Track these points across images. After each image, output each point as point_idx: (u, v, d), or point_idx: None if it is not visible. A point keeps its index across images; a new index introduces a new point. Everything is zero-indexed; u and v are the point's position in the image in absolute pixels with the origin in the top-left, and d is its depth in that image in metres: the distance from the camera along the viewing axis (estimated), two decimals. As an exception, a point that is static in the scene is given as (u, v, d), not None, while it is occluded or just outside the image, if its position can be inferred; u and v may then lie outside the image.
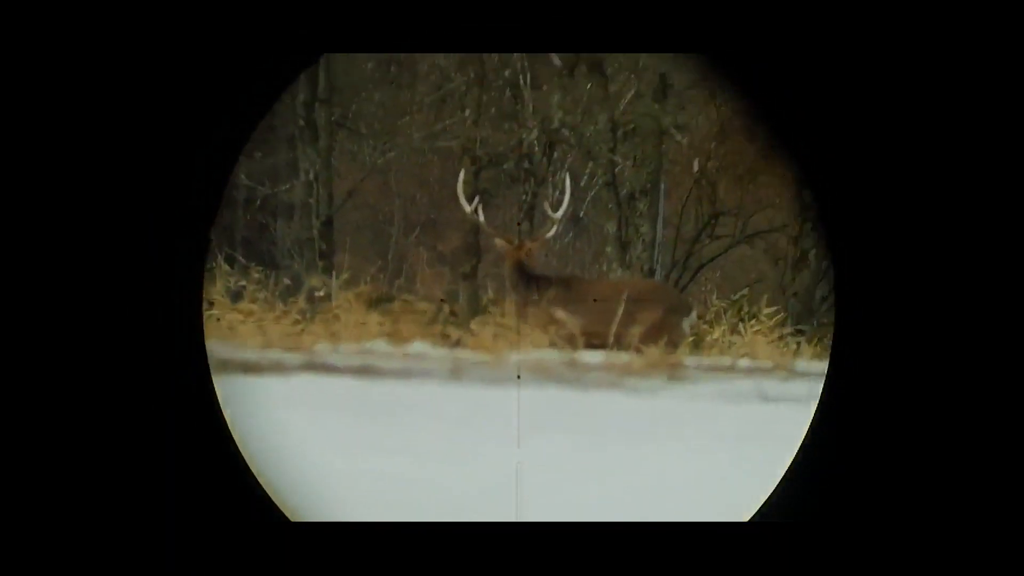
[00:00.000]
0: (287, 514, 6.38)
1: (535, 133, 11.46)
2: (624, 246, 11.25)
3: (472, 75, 11.30)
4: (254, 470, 6.34)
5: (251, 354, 8.16)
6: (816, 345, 10.93)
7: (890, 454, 6.23)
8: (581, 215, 11.47)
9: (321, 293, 9.60)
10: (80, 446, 6.20)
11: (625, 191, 11.31)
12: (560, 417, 7.23)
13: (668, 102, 11.51)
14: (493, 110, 11.48)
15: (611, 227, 11.26)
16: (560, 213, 9.44)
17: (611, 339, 9.13)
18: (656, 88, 11.40)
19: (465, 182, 9.63)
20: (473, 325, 9.33)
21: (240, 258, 10.07)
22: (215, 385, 6.35)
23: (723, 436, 7.25)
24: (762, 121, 6.47)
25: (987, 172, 6.17)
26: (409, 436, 7.06)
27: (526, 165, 11.44)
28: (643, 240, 11.29)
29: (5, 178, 6.15)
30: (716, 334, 10.14)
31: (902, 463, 6.22)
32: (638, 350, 8.94)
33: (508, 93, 11.64)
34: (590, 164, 11.55)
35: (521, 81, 11.69)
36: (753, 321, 10.47)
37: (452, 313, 10.27)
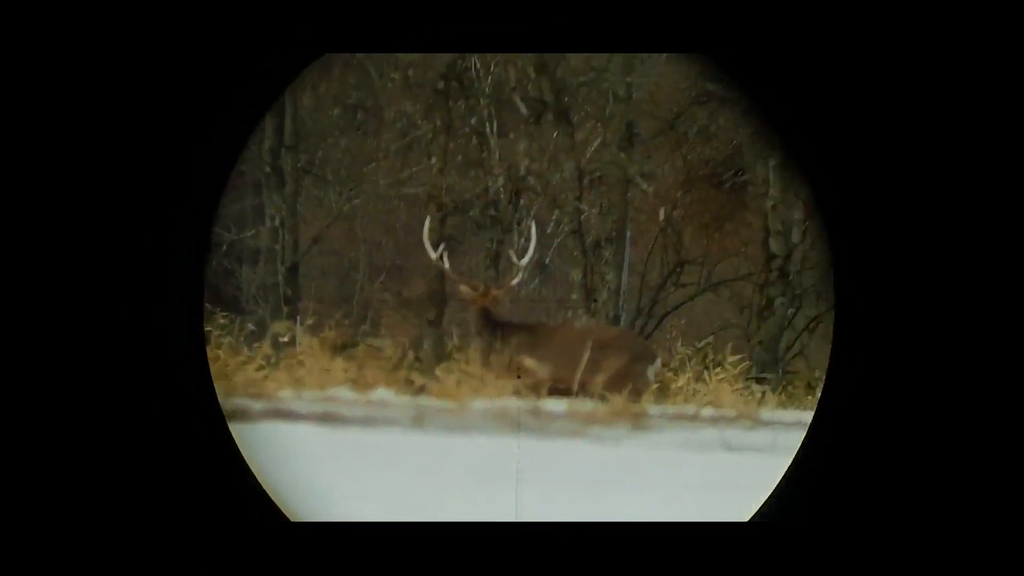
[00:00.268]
0: (287, 514, 6.36)
1: (501, 180, 11.50)
2: (589, 293, 11.28)
3: (438, 122, 11.34)
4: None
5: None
6: (781, 394, 10.96)
7: (889, 454, 6.21)
8: (547, 262, 11.50)
9: (286, 339, 9.57)
10: (81, 446, 6.18)
11: (591, 239, 11.35)
12: (524, 467, 7.20)
13: (634, 151, 11.57)
14: (459, 157, 11.52)
15: (577, 274, 11.30)
16: (526, 260, 9.44)
17: (576, 386, 9.13)
18: (622, 137, 11.46)
19: (431, 229, 9.63)
20: (438, 371, 9.31)
21: (205, 303, 10.05)
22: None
23: (687, 485, 7.23)
24: (763, 121, 6.49)
25: (987, 172, 6.18)
26: (373, 484, 7.03)
27: (492, 212, 11.47)
28: (608, 287, 11.33)
29: (4, 178, 6.13)
30: (681, 382, 10.15)
31: (900, 466, 6.21)
32: (602, 398, 8.94)
33: (474, 140, 11.69)
34: (556, 212, 11.59)
35: (487, 129, 11.74)
36: (718, 369, 10.48)
37: (417, 359, 10.25)
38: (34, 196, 6.18)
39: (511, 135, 11.72)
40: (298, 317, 10.15)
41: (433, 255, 9.34)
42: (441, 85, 11.46)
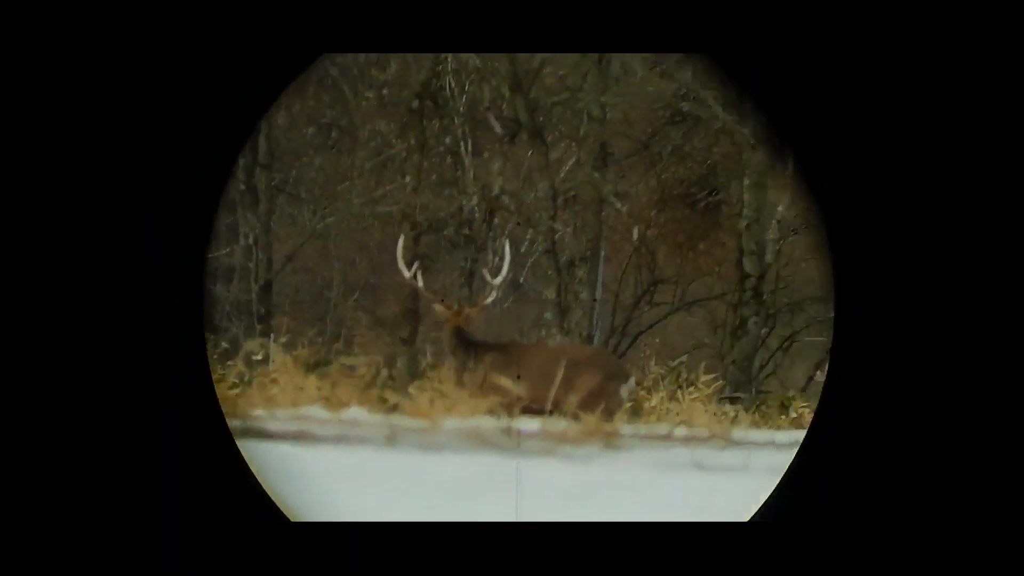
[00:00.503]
0: (287, 514, 6.34)
1: (475, 199, 11.52)
2: (563, 312, 11.30)
3: (413, 141, 11.36)
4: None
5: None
6: (754, 413, 10.99)
7: (888, 455, 6.20)
8: (521, 281, 11.52)
9: (259, 357, 9.56)
10: (81, 447, 6.15)
11: (565, 258, 11.38)
12: (496, 486, 7.20)
13: (608, 170, 11.60)
14: (434, 176, 11.54)
15: (550, 293, 11.32)
16: (499, 279, 9.44)
17: (549, 405, 9.13)
18: (596, 156, 11.50)
19: (405, 247, 9.63)
20: (411, 389, 9.31)
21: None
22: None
23: (657, 505, 7.23)
24: (763, 121, 6.49)
25: (987, 172, 6.18)
26: (345, 503, 7.02)
27: (466, 231, 11.49)
28: (582, 306, 11.35)
29: (4, 178, 6.12)
30: (654, 401, 10.17)
31: (900, 466, 6.20)
32: (575, 417, 8.94)
33: (449, 160, 11.71)
34: (530, 231, 11.61)
35: (462, 148, 11.76)
36: (691, 388, 10.51)
37: (390, 377, 10.25)
38: (34, 196, 6.17)
39: (485, 154, 11.75)
40: (272, 335, 10.14)
41: (407, 274, 9.34)
42: (415, 104, 11.48)
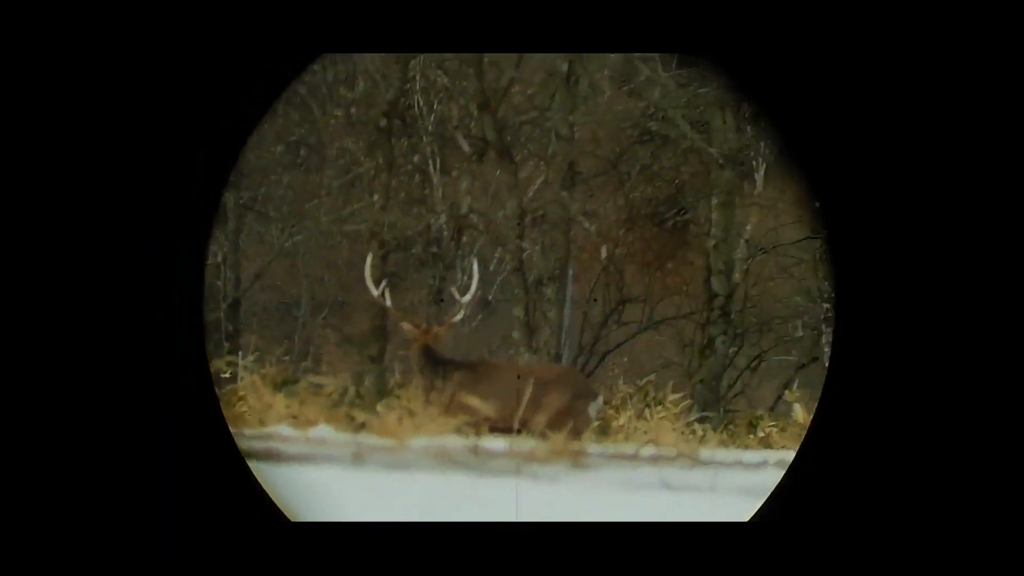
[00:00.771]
0: (287, 514, 6.32)
1: (444, 218, 11.54)
2: (531, 331, 11.31)
3: (381, 160, 11.36)
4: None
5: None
6: (723, 432, 11.02)
7: (888, 455, 6.20)
8: (489, 300, 11.54)
9: (227, 375, 9.55)
10: (81, 447, 6.12)
11: (533, 277, 11.39)
12: (461, 504, 7.19)
13: (576, 189, 11.64)
14: (402, 195, 11.55)
15: (519, 312, 11.33)
16: (468, 297, 9.44)
17: (517, 424, 9.13)
18: (564, 175, 11.53)
19: (373, 265, 9.63)
20: (379, 408, 9.31)
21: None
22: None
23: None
24: (763, 121, 6.50)
25: (987, 172, 6.18)
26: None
27: (434, 249, 11.51)
28: (550, 325, 11.36)
29: (4, 178, 6.09)
30: (622, 419, 10.19)
31: (900, 467, 6.20)
32: (543, 435, 8.95)
33: (417, 178, 11.73)
34: (498, 249, 11.64)
35: (430, 166, 11.79)
36: (659, 407, 10.53)
37: (358, 395, 10.25)
38: (34, 196, 6.15)
39: (454, 173, 11.78)
40: (240, 353, 10.12)
41: (375, 292, 9.33)
42: (384, 123, 11.50)
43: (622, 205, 12.02)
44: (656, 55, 11.91)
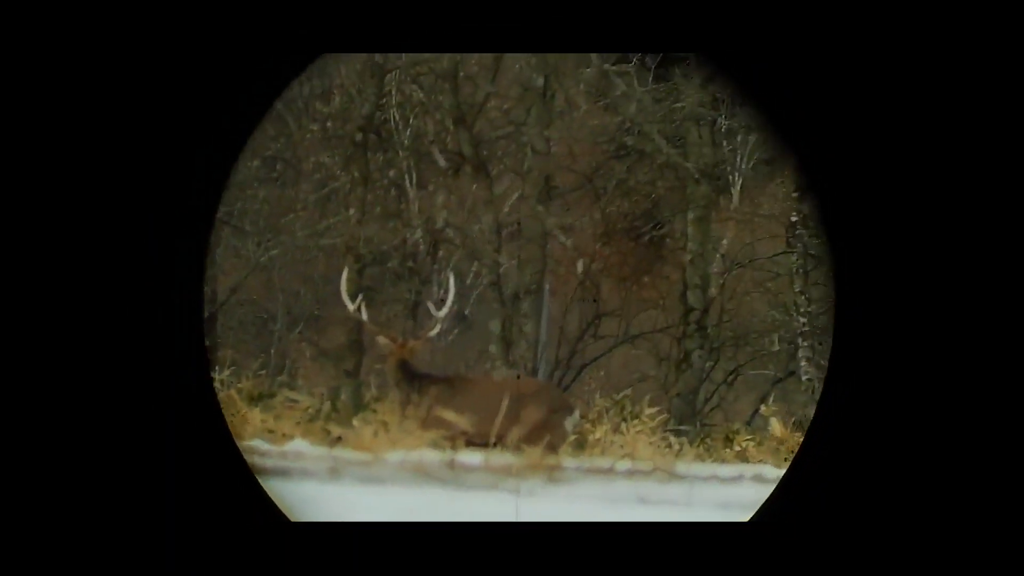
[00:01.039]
0: (287, 514, 6.29)
1: (420, 232, 11.55)
2: (508, 345, 11.31)
3: (356, 174, 11.36)
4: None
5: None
6: (699, 446, 11.03)
7: (888, 455, 6.18)
8: (466, 314, 11.56)
9: (203, 389, 9.52)
10: (81, 447, 6.09)
11: (509, 291, 11.39)
12: (437, 518, 7.18)
13: (553, 204, 11.66)
14: (378, 209, 11.55)
15: (495, 326, 11.33)
16: (444, 311, 9.43)
17: (493, 438, 9.12)
18: (541, 190, 11.54)
19: (349, 280, 9.61)
20: (355, 422, 9.30)
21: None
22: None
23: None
24: (763, 121, 6.51)
25: (987, 172, 6.18)
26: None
27: (410, 264, 11.52)
28: (527, 339, 11.37)
29: (4, 178, 6.08)
30: (598, 433, 10.19)
31: (899, 467, 6.19)
32: (519, 449, 8.95)
33: (393, 192, 11.74)
34: (475, 264, 11.65)
35: (406, 180, 11.80)
36: (636, 421, 10.55)
37: (335, 409, 10.24)
38: (34, 196, 6.14)
39: (430, 187, 11.79)
40: (216, 367, 10.11)
41: (351, 306, 9.32)
42: (359, 137, 11.50)
43: (598, 219, 12.05)
44: (631, 69, 11.96)
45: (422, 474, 7.80)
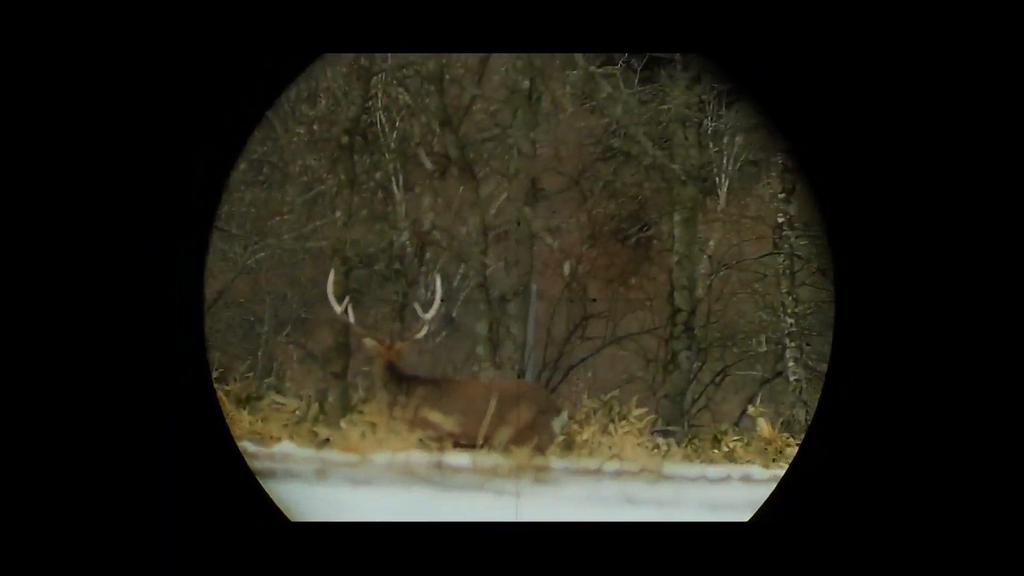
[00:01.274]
0: (287, 514, 6.30)
1: (406, 235, 11.56)
2: (495, 347, 11.32)
3: (343, 176, 11.37)
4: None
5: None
6: (687, 447, 11.04)
7: (888, 455, 6.19)
8: (453, 316, 11.55)
9: (190, 392, 9.51)
10: (81, 447, 6.10)
11: (496, 293, 11.40)
12: (424, 519, 7.19)
13: (539, 206, 11.66)
14: (364, 211, 11.56)
15: (482, 328, 11.34)
16: (431, 313, 9.45)
17: (481, 440, 9.13)
18: (527, 192, 11.55)
19: (335, 282, 9.62)
20: (343, 424, 9.31)
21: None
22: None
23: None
24: (762, 120, 6.51)
25: (987, 171, 6.18)
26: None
27: (397, 266, 11.52)
28: (514, 341, 11.38)
29: (5, 178, 6.08)
30: (586, 434, 10.21)
31: (899, 467, 6.19)
32: (507, 450, 8.96)
33: (379, 195, 11.74)
34: (462, 266, 11.65)
35: (393, 183, 11.80)
36: (623, 422, 10.55)
37: (322, 411, 10.25)
38: (35, 196, 6.14)
39: (416, 190, 11.79)
40: (203, 370, 10.10)
41: (338, 308, 9.33)
42: (346, 140, 11.51)
43: (585, 222, 12.05)
44: (617, 71, 11.97)
45: (409, 475, 7.80)
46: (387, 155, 11.85)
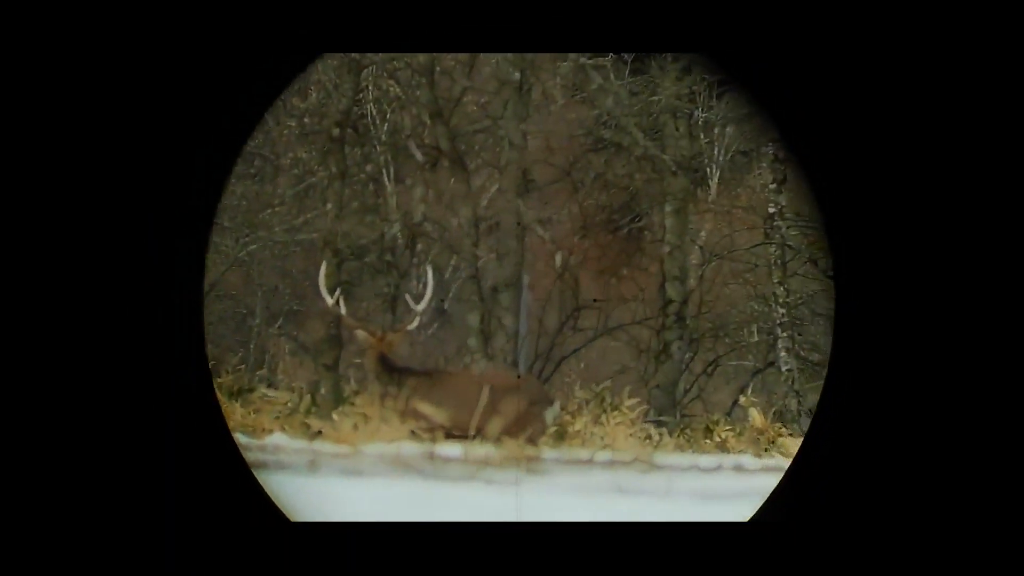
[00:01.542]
0: (287, 514, 6.31)
1: (397, 227, 11.55)
2: (487, 338, 11.32)
3: (334, 169, 11.37)
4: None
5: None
6: (679, 437, 11.05)
7: (888, 455, 6.19)
8: (445, 307, 11.55)
9: (182, 384, 9.52)
10: (81, 447, 6.11)
11: (488, 284, 11.41)
12: (415, 511, 7.21)
13: (530, 197, 11.66)
14: (355, 204, 11.56)
15: (474, 319, 11.34)
16: (423, 305, 9.46)
17: (473, 431, 9.14)
18: (519, 184, 11.55)
19: (327, 274, 9.64)
20: (335, 415, 9.33)
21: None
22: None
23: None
24: (763, 120, 6.52)
25: (987, 171, 6.19)
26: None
27: (388, 258, 11.52)
28: (506, 332, 11.38)
29: (5, 178, 6.08)
30: (578, 425, 10.22)
31: (900, 467, 6.19)
32: (498, 441, 8.98)
33: (370, 187, 11.73)
34: (453, 257, 11.65)
35: (384, 175, 11.79)
36: (616, 412, 10.57)
37: (314, 403, 10.25)
38: (35, 196, 6.14)
39: (407, 181, 11.78)
40: (196, 363, 10.10)
41: (329, 300, 9.34)
42: (337, 132, 11.51)
43: (576, 213, 12.05)
44: (608, 62, 11.99)
45: (401, 466, 7.82)
46: (378, 147, 11.86)
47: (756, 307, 12.87)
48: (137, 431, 6.18)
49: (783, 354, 12.40)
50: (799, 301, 12.51)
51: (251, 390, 10.09)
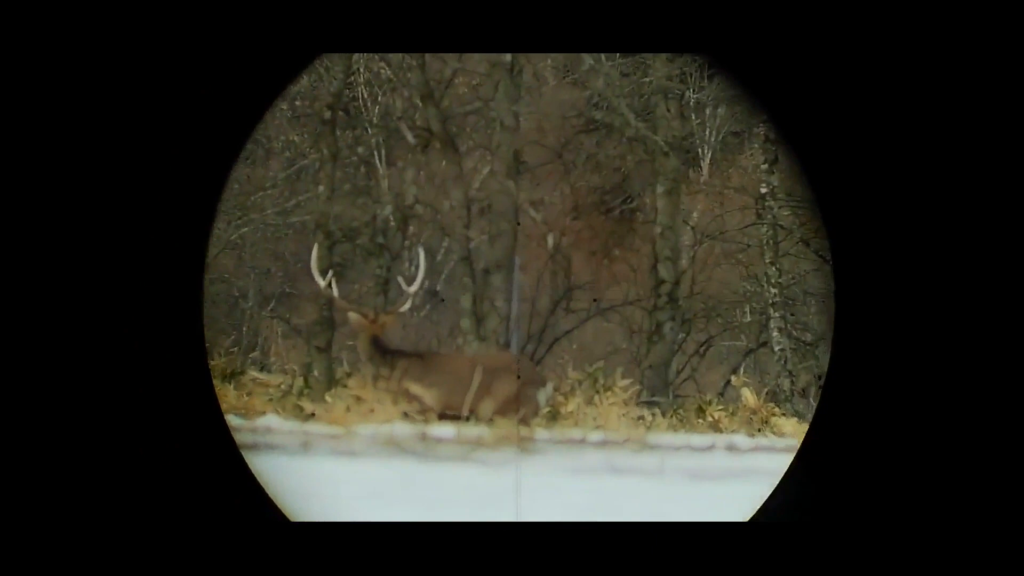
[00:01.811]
0: (287, 514, 6.33)
1: (389, 209, 11.55)
2: (479, 320, 11.34)
3: (325, 151, 11.37)
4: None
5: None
6: (672, 417, 11.08)
7: (890, 453, 6.22)
8: (437, 289, 11.56)
9: (175, 367, 9.53)
10: (81, 447, 6.13)
11: (480, 266, 11.43)
12: (408, 492, 7.24)
13: (522, 178, 11.66)
14: (347, 186, 11.56)
15: (466, 301, 11.36)
16: (415, 287, 9.49)
17: (466, 412, 9.17)
18: (510, 165, 11.55)
19: (319, 257, 9.66)
20: (328, 397, 9.35)
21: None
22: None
23: (574, 507, 7.29)
24: (764, 119, 6.55)
25: (987, 170, 6.20)
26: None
27: (380, 240, 11.52)
28: (498, 314, 11.40)
29: (5, 178, 6.09)
30: (571, 406, 10.24)
31: (901, 465, 6.22)
32: (491, 422, 9.01)
33: (362, 169, 11.73)
34: (445, 239, 11.66)
35: (375, 157, 11.80)
36: (608, 393, 10.59)
37: (307, 386, 10.27)
38: (34, 197, 6.15)
39: (399, 164, 11.78)
40: (189, 346, 10.11)
41: (321, 283, 9.37)
42: (328, 115, 11.51)
43: (568, 194, 12.06)
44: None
45: (394, 447, 7.85)
46: (370, 130, 11.85)
47: (748, 287, 12.89)
48: (136, 431, 6.20)
49: (775, 334, 12.42)
50: (791, 281, 12.54)
51: (244, 372, 10.10)
